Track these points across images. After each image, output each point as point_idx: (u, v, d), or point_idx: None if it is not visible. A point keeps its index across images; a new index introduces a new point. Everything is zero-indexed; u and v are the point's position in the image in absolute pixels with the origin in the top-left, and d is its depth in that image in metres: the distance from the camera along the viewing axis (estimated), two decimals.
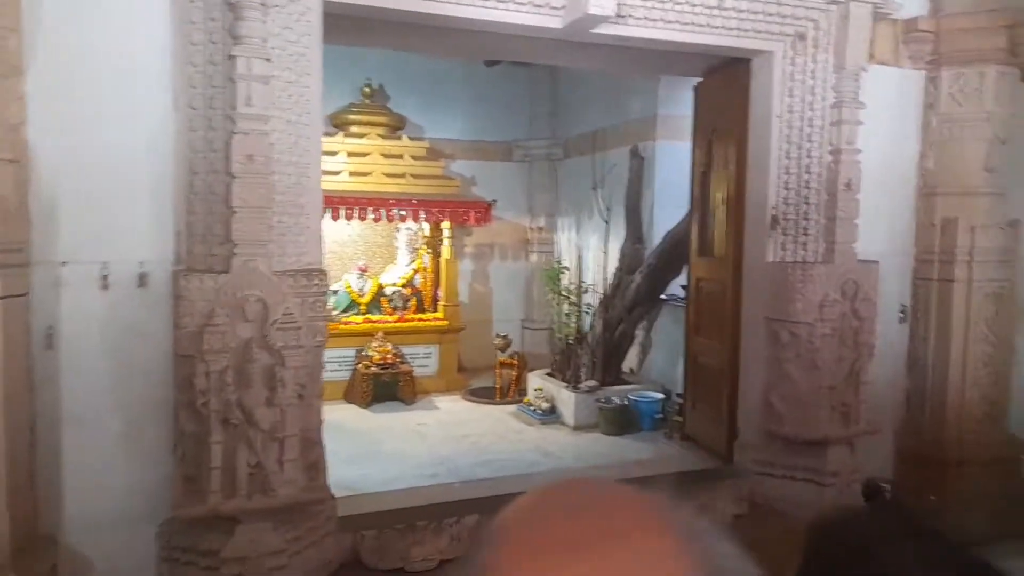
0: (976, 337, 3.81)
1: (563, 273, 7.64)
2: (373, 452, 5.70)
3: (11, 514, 2.50)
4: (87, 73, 2.59)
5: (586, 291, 7.32)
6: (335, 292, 7.63)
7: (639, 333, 7.01)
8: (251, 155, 2.57)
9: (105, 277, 2.69)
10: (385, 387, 7.06)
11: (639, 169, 6.51)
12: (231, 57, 2.54)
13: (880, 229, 3.83)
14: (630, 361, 7.26)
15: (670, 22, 3.25)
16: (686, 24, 3.28)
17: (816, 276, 3.47)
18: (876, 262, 3.64)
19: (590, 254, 7.88)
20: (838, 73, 3.43)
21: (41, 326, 2.65)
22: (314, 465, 2.92)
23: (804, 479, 3.57)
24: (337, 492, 3.90)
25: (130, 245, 2.72)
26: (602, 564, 0.43)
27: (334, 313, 7.49)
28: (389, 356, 7.14)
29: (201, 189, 2.69)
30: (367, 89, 7.46)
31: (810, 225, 3.56)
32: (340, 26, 3.06)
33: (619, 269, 6.82)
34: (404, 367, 7.19)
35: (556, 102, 8.57)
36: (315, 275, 2.79)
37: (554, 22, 3.13)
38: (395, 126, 7.59)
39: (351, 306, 7.56)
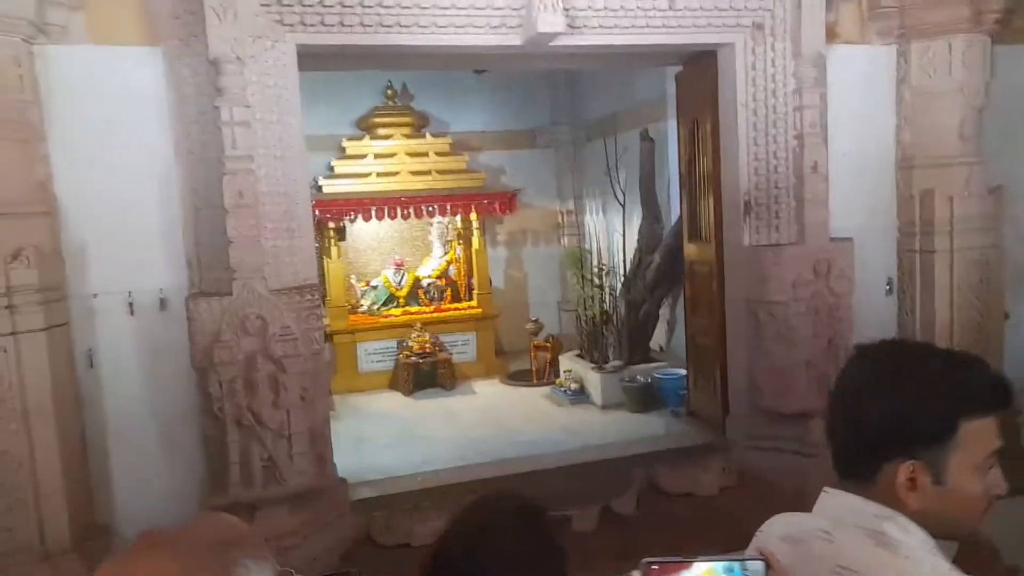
0: (962, 303, 3.88)
1: (586, 255, 7.86)
2: (410, 437, 6.11)
3: (69, 508, 2.99)
4: (98, 132, 3.01)
5: (608, 272, 7.52)
6: (375, 287, 8.08)
7: (665, 311, 7.17)
8: (240, 191, 2.94)
9: (131, 304, 3.13)
10: (425, 375, 7.47)
11: (650, 151, 6.64)
12: (215, 107, 2.91)
13: (860, 204, 3.93)
14: (659, 339, 7.43)
15: (625, 28, 3.44)
16: (641, 28, 3.46)
17: (787, 258, 3.62)
18: (850, 239, 3.75)
19: (616, 236, 8.06)
20: (796, 60, 3.55)
21: (82, 349, 3.12)
22: (322, 457, 3.31)
23: (789, 451, 3.75)
24: (372, 476, 4.33)
25: (150, 275, 3.15)
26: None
27: (374, 307, 7.96)
28: (427, 345, 7.54)
29: (205, 223, 3.09)
30: (390, 91, 7.81)
31: (781, 208, 3.70)
32: (321, 57, 3.39)
33: (638, 249, 6.98)
34: (443, 355, 7.57)
35: (574, 87, 8.71)
36: (307, 291, 3.15)
37: (514, 40, 3.37)
38: (420, 124, 7.92)
39: (390, 299, 8.00)
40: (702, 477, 3.80)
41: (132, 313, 3.14)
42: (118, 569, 0.80)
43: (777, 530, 1.16)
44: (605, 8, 3.38)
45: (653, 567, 0.97)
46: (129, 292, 3.13)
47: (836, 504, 1.11)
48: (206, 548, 0.89)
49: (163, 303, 3.17)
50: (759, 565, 1.00)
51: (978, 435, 1.03)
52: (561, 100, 8.81)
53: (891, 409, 1.05)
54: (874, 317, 4.00)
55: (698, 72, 4.09)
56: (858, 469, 1.08)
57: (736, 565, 0.99)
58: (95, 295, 3.09)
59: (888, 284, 4.05)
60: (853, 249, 3.73)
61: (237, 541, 0.89)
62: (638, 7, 3.40)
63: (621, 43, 3.51)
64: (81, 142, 2.98)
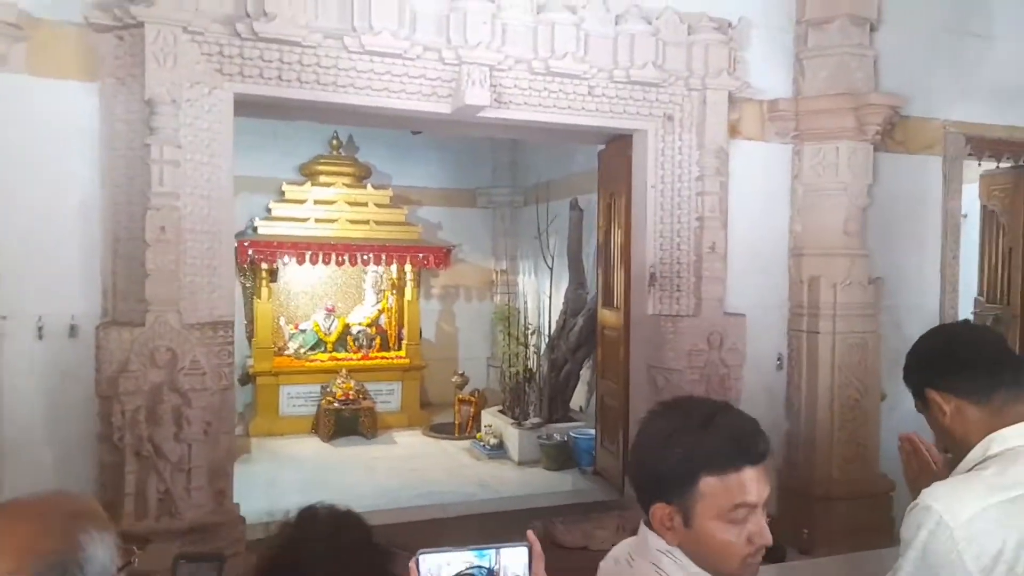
0: (843, 383, 4.20)
1: (515, 313, 8.08)
2: (322, 483, 6.09)
3: None
4: (26, 159, 3.09)
5: (534, 332, 7.74)
6: (304, 331, 8.11)
7: (586, 372, 7.40)
8: (163, 227, 3.05)
9: (40, 328, 3.16)
10: (347, 422, 7.47)
11: (579, 220, 6.98)
12: (146, 145, 3.04)
13: (756, 285, 4.26)
14: (579, 399, 7.64)
15: (548, 107, 3.73)
16: (563, 108, 3.76)
17: (684, 328, 3.90)
18: (743, 315, 4.06)
19: (544, 297, 8.33)
20: (700, 150, 3.90)
21: None
22: (222, 492, 3.35)
23: None
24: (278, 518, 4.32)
25: (63, 301, 3.19)
26: None
27: (301, 351, 7.96)
28: (351, 392, 7.56)
29: (124, 254, 3.17)
30: (335, 141, 8.01)
31: (682, 282, 3.99)
32: (259, 106, 3.57)
33: (563, 312, 7.25)
34: (366, 403, 7.60)
35: (516, 152, 9.07)
36: (221, 327, 3.25)
37: (444, 108, 3.62)
38: (362, 175, 8.12)
39: (318, 344, 8.02)
40: (597, 532, 3.96)
41: (40, 337, 3.17)
42: None
43: (613, 552, 1.38)
44: (530, 88, 3.68)
45: (424, 555, 1.09)
46: (40, 316, 3.16)
47: (640, 536, 1.31)
48: (57, 515, 1.05)
49: (73, 329, 3.21)
50: (522, 550, 1.11)
51: (717, 489, 1.18)
52: (503, 163, 9.16)
53: (641, 460, 1.25)
54: (764, 390, 4.30)
55: (617, 152, 4.41)
56: (643, 507, 1.28)
57: (492, 550, 1.10)
58: (4, 317, 3.11)
59: (779, 360, 4.36)
60: (745, 324, 4.03)
61: (85, 513, 1.07)
62: (560, 90, 3.70)
63: (544, 120, 3.79)
64: (4, 166, 3.06)
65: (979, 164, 4.84)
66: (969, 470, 1.35)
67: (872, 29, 4.18)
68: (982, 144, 4.61)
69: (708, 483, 1.18)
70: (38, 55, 3.11)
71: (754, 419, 1.28)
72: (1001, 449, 1.32)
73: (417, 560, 1.10)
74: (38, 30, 3.10)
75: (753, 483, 1.20)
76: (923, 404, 1.48)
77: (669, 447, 1.21)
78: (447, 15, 3.47)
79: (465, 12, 3.46)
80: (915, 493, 1.38)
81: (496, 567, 1.10)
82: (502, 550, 1.10)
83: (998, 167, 4.96)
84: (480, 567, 1.09)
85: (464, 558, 1.09)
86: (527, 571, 1.11)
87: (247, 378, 7.72)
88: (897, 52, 4.32)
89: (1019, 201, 5.10)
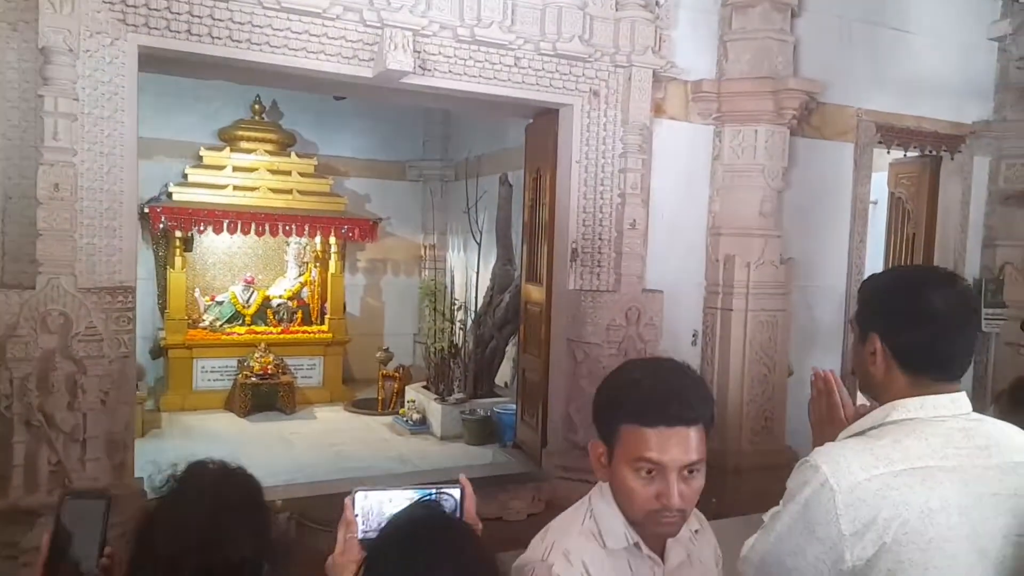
0: (753, 359, 4.33)
1: (441, 288, 8.02)
2: (237, 457, 5.93)
3: None
4: None
5: (461, 308, 7.71)
6: (220, 303, 7.83)
7: (512, 349, 7.42)
8: (57, 184, 2.86)
9: None
10: (264, 397, 7.28)
11: (508, 196, 6.95)
12: (39, 96, 2.84)
13: (674, 262, 4.33)
14: (504, 376, 7.66)
15: (473, 76, 3.67)
16: (488, 79, 3.71)
17: (603, 303, 3.94)
18: (660, 292, 4.13)
19: (472, 273, 8.29)
20: (624, 127, 3.92)
21: None
22: (122, 464, 3.20)
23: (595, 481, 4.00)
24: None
25: None
26: None
27: (217, 323, 7.69)
28: (270, 367, 7.36)
29: (14, 213, 2.97)
30: (257, 106, 7.71)
31: (603, 258, 4.03)
32: (167, 61, 3.38)
33: (490, 288, 7.24)
34: (285, 378, 7.42)
35: (448, 125, 8.95)
36: (121, 292, 3.09)
37: (365, 72, 3.51)
38: (285, 143, 7.85)
39: (235, 317, 7.76)
40: (512, 503, 3.98)
41: None
42: None
43: None
44: (455, 56, 3.61)
45: (359, 493, 1.17)
46: None
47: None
48: None
49: None
50: (456, 490, 1.20)
51: (628, 438, 1.26)
52: (434, 136, 9.02)
53: (594, 400, 1.37)
54: None
55: (543, 127, 4.39)
56: None
57: (431, 490, 1.18)
58: None
59: (694, 336, 4.46)
60: (662, 301, 4.11)
61: None
62: (486, 60, 3.65)
63: (469, 89, 3.73)
64: None
65: (888, 152, 5.04)
66: (864, 431, 1.37)
67: (793, 15, 4.28)
68: (891, 133, 4.80)
69: (625, 430, 1.27)
70: None
71: (698, 386, 1.32)
72: (900, 418, 1.34)
73: (353, 497, 1.16)
74: None
75: (661, 442, 1.24)
76: (860, 339, 1.41)
77: (608, 392, 1.34)
78: None
79: None
80: (817, 438, 1.45)
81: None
82: (439, 490, 1.19)
83: (905, 155, 5.18)
84: (431, 495, 1.17)
85: (406, 495, 1.17)
86: (459, 509, 1.20)
87: (159, 351, 7.42)
88: (816, 40, 4.44)
89: (924, 189, 5.35)
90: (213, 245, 7.89)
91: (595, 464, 1.34)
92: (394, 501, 1.16)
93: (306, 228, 7.48)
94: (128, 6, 3.03)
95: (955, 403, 1.36)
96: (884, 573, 1.22)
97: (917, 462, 1.27)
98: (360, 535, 1.16)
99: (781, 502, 1.34)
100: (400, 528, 1.08)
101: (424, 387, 7.47)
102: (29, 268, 2.94)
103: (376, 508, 1.15)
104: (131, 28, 3.08)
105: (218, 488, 1.25)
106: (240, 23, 3.22)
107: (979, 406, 1.45)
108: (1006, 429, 1.40)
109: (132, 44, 3.09)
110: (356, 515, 1.17)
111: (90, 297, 2.97)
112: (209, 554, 1.15)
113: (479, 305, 7.41)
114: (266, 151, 7.61)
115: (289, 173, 7.64)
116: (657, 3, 3.99)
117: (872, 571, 1.23)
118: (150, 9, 3.07)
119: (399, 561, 1.02)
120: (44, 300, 2.88)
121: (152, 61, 3.28)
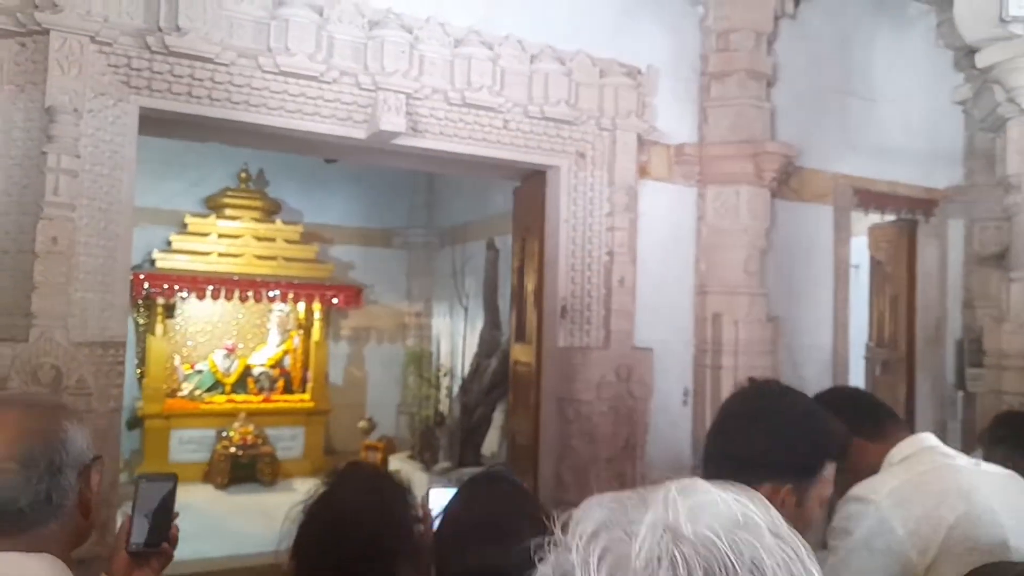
0: None
1: (427, 356, 7.98)
2: (217, 529, 5.74)
3: None
4: None
5: (447, 375, 7.67)
6: (200, 371, 7.72)
7: (498, 415, 7.35)
8: (55, 237, 2.87)
9: None
10: (244, 468, 7.12)
11: (494, 260, 7.05)
12: (43, 153, 2.88)
13: (663, 321, 4.37)
14: (491, 445, 7.56)
15: (463, 138, 3.78)
16: (478, 140, 3.82)
17: (593, 360, 3.95)
18: (650, 349, 4.16)
19: (459, 339, 8.29)
20: (611, 187, 4.04)
21: None
22: (105, 523, 3.08)
23: None
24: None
25: None
26: None
27: (196, 392, 7.56)
28: (250, 437, 7.23)
29: (9, 266, 2.96)
30: (243, 174, 7.83)
31: (592, 315, 4.07)
32: (165, 123, 3.45)
33: (477, 354, 7.23)
34: (265, 448, 7.28)
35: (433, 193, 9.13)
36: (112, 347, 3.05)
37: (358, 133, 3.60)
38: (271, 210, 7.95)
39: (215, 385, 7.65)
40: None
41: None
42: None
43: None
44: (446, 118, 3.72)
45: (433, 490, 1.49)
46: None
47: None
48: (41, 404, 1.21)
49: None
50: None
51: (829, 474, 1.33)
52: (419, 204, 9.18)
53: (753, 441, 1.30)
54: (670, 424, 4.38)
55: (531, 189, 4.50)
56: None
57: None
58: None
59: (684, 394, 4.47)
60: (652, 358, 4.13)
61: (64, 406, 1.27)
62: (476, 122, 3.77)
63: (459, 151, 3.84)
64: None
65: (866, 215, 5.21)
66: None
67: (769, 84, 4.49)
68: (868, 197, 4.98)
69: (829, 468, 1.31)
70: None
71: None
72: (901, 458, 1.65)
73: (428, 494, 1.47)
74: None
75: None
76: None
77: (800, 430, 1.30)
78: (365, 43, 3.50)
79: (383, 41, 3.50)
80: None
81: None
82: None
83: (883, 218, 5.36)
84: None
85: None
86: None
87: (135, 421, 7.25)
88: (791, 107, 4.65)
89: (902, 252, 5.51)
90: (194, 313, 7.84)
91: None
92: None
93: (290, 294, 7.50)
94: (132, 69, 3.12)
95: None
96: None
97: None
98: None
99: (833, 544, 1.46)
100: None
101: (409, 457, 7.35)
102: (21, 321, 2.91)
103: (440, 503, 1.39)
104: (134, 90, 3.16)
105: (372, 483, 1.55)
106: (239, 85, 3.32)
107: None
108: None
109: (134, 105, 3.16)
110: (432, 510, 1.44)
111: (82, 351, 2.94)
112: (362, 538, 1.40)
113: (466, 371, 7.38)
114: (252, 218, 7.70)
115: (274, 240, 7.71)
116: (639, 71, 4.18)
117: None
118: (153, 72, 3.16)
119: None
120: (37, 353, 2.84)
121: (152, 123, 3.35)
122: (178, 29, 3.13)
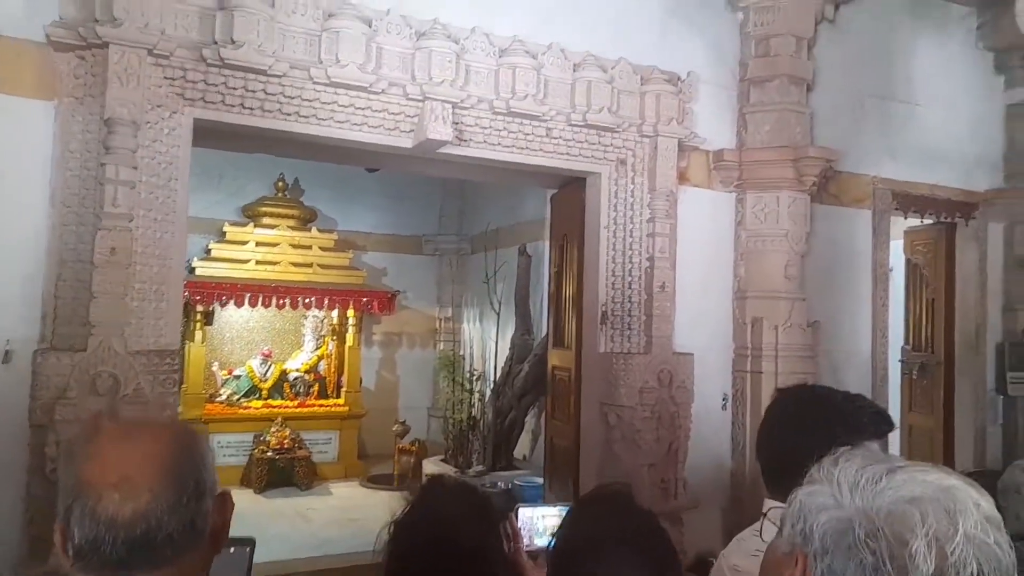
0: None
1: (460, 360, 8.03)
2: (255, 532, 5.80)
3: None
4: None
5: (479, 378, 7.71)
6: (238, 377, 7.84)
7: (530, 420, 7.37)
8: (113, 248, 2.95)
9: None
10: (280, 472, 7.20)
11: (527, 266, 7.08)
12: (102, 165, 2.96)
13: (702, 326, 4.38)
14: (524, 447, 7.58)
15: (507, 146, 3.82)
16: (521, 148, 3.86)
17: (635, 365, 3.96)
18: (691, 354, 4.16)
19: (490, 344, 8.33)
20: (651, 194, 4.05)
21: None
22: None
23: None
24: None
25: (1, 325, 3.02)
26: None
27: (234, 398, 7.68)
28: (286, 441, 7.31)
29: (69, 277, 3.04)
30: (280, 184, 7.95)
31: (633, 321, 4.08)
32: (217, 134, 3.53)
33: (509, 359, 7.26)
34: (301, 452, 7.35)
35: (464, 200, 9.20)
36: (167, 355, 3.12)
37: (405, 142, 3.66)
38: (306, 218, 8.05)
39: (253, 390, 7.76)
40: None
41: None
42: (112, 448, 1.02)
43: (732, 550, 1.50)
44: (491, 126, 3.77)
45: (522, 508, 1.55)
46: None
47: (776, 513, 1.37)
48: (180, 423, 1.17)
49: (7, 355, 3.02)
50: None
51: None
52: (450, 211, 9.25)
53: (802, 442, 1.27)
54: (711, 428, 4.38)
55: (570, 196, 4.53)
56: (779, 484, 1.36)
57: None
58: None
59: (724, 399, 4.46)
60: (693, 363, 4.13)
61: (197, 433, 1.15)
62: (520, 131, 3.81)
63: (502, 159, 3.88)
64: None
65: (905, 218, 5.17)
66: None
67: (808, 89, 4.48)
68: (907, 200, 4.94)
69: None
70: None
71: None
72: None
73: (517, 511, 1.51)
74: None
75: None
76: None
77: (832, 424, 1.37)
78: (412, 53, 3.55)
79: (430, 51, 3.55)
80: None
81: None
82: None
83: (922, 222, 5.31)
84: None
85: (556, 511, 1.47)
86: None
87: None
88: (831, 112, 4.64)
89: (940, 255, 5.45)
90: (231, 319, 7.97)
91: None
92: (547, 517, 1.44)
93: (325, 301, 7.59)
94: (188, 82, 3.19)
95: None
96: None
97: None
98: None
99: None
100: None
101: (442, 460, 7.39)
102: (80, 331, 2.99)
103: (528, 523, 1.44)
104: (188, 102, 3.24)
105: (468, 497, 1.62)
106: (290, 97, 3.38)
107: None
108: None
109: (188, 117, 3.24)
110: (520, 527, 1.48)
111: (139, 359, 3.01)
112: (467, 549, 1.48)
113: (497, 375, 7.42)
114: (288, 227, 7.81)
115: (310, 247, 7.81)
116: (680, 79, 4.19)
117: None
118: (207, 85, 3.24)
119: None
120: (95, 362, 2.91)
121: (201, 134, 3.43)
122: (232, 42, 3.20)
